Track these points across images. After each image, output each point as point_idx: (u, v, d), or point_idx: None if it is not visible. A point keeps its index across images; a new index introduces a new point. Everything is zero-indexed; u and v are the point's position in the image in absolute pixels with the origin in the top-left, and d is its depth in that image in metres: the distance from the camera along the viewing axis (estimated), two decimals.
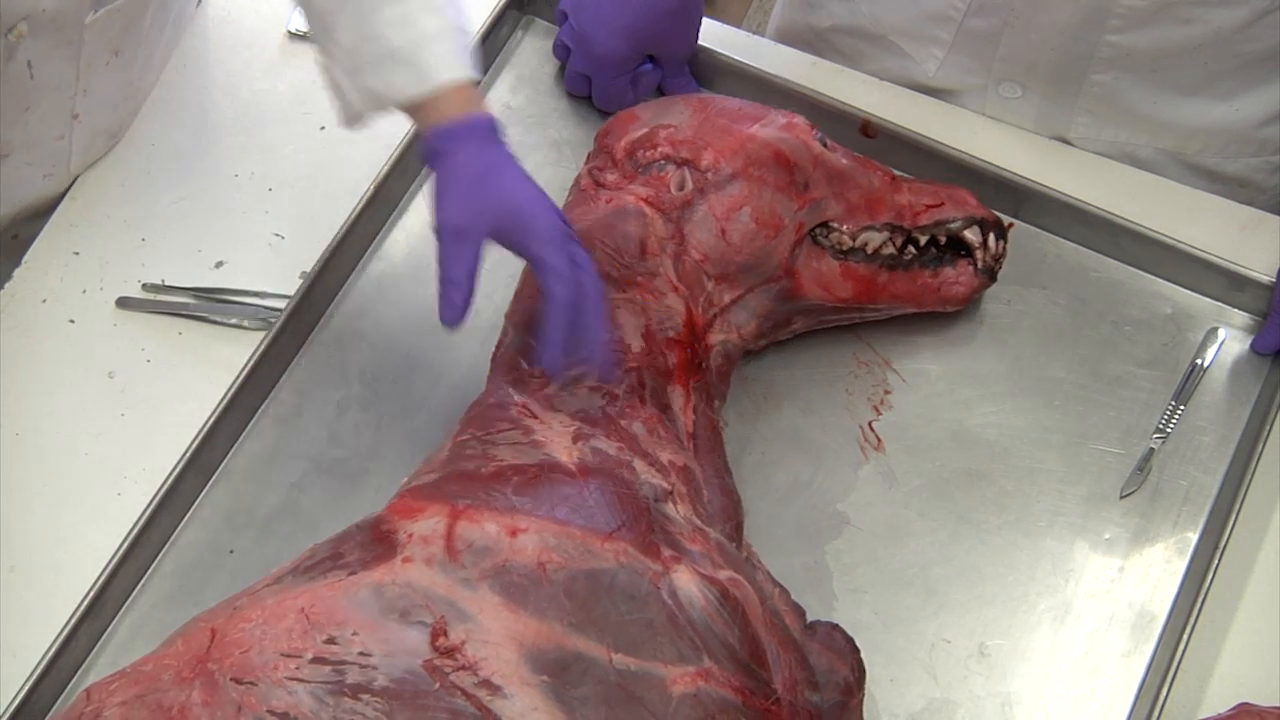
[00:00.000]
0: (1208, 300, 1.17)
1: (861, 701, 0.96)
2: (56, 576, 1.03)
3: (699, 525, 0.93)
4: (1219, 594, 1.03)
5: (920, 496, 1.09)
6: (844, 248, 1.09)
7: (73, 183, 1.19)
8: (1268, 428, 1.07)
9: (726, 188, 1.04)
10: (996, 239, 1.13)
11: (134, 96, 1.21)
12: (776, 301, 1.08)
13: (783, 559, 1.05)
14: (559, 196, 1.19)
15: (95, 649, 1.02)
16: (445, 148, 0.97)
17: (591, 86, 1.23)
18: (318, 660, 0.79)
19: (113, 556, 1.02)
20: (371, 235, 1.19)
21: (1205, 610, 1.01)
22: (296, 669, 0.79)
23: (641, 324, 1.00)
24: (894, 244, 1.11)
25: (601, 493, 0.89)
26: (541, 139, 1.24)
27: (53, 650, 0.98)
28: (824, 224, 1.09)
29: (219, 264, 1.17)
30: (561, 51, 1.24)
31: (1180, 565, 1.06)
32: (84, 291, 1.15)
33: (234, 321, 1.14)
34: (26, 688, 0.97)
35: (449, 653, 0.80)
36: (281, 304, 1.13)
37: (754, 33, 1.31)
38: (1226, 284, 1.15)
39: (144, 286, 1.15)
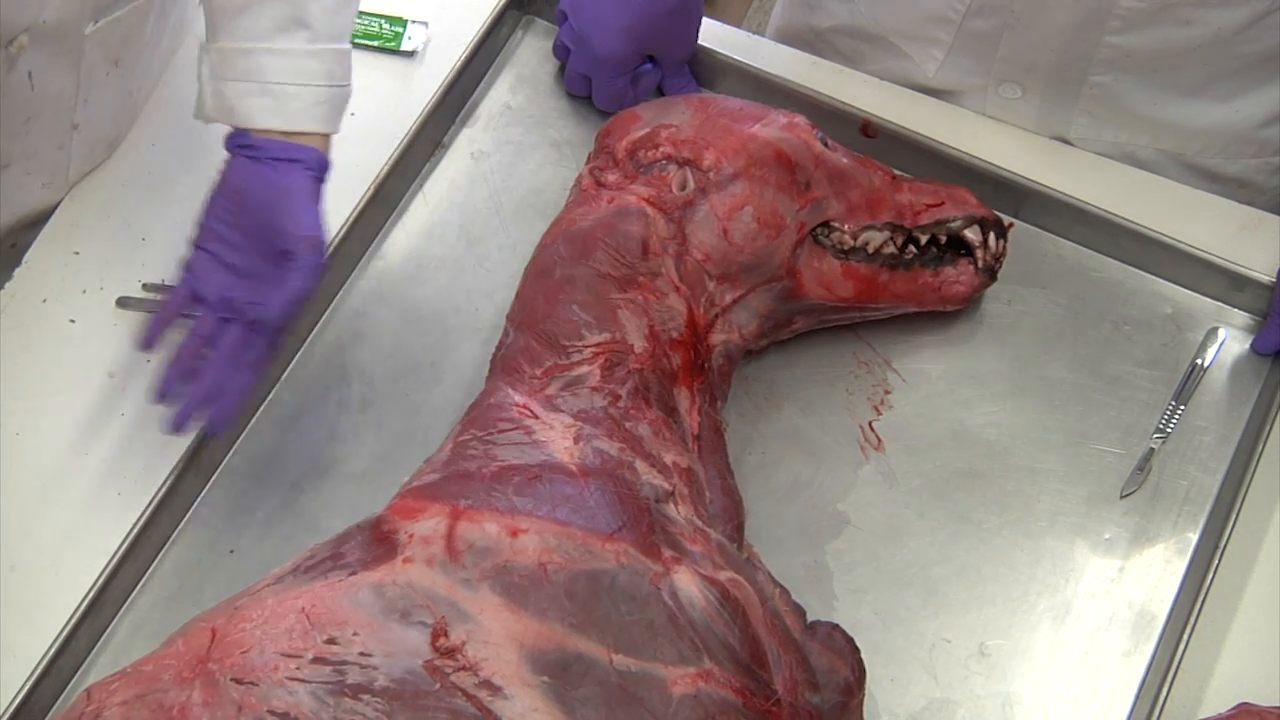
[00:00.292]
0: (1208, 300, 1.17)
1: (861, 701, 0.96)
2: (56, 576, 1.03)
3: (700, 526, 0.93)
4: (1219, 594, 1.03)
5: (920, 496, 1.09)
6: (845, 247, 1.09)
7: (71, 186, 1.19)
8: (1268, 428, 1.07)
9: (728, 187, 1.04)
10: (997, 238, 1.13)
11: (133, 107, 1.21)
12: (778, 301, 1.08)
13: (783, 559, 1.05)
14: (559, 197, 1.19)
15: (95, 649, 1.02)
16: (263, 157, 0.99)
17: (591, 86, 1.23)
18: (318, 660, 0.79)
19: (113, 556, 1.02)
20: (371, 235, 1.19)
21: (1205, 610, 1.01)
22: (297, 669, 0.79)
23: (645, 324, 1.00)
24: (895, 243, 1.11)
25: (602, 493, 0.89)
26: (541, 139, 1.24)
27: (53, 650, 0.98)
28: (825, 223, 1.09)
29: None
30: (561, 51, 1.24)
31: (1180, 565, 1.06)
32: (84, 291, 1.15)
33: None
34: (26, 688, 0.97)
35: (449, 653, 0.80)
36: None
37: (754, 33, 1.31)
38: (1226, 284, 1.15)
39: (144, 286, 1.15)
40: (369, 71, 1.25)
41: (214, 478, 1.09)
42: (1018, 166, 1.19)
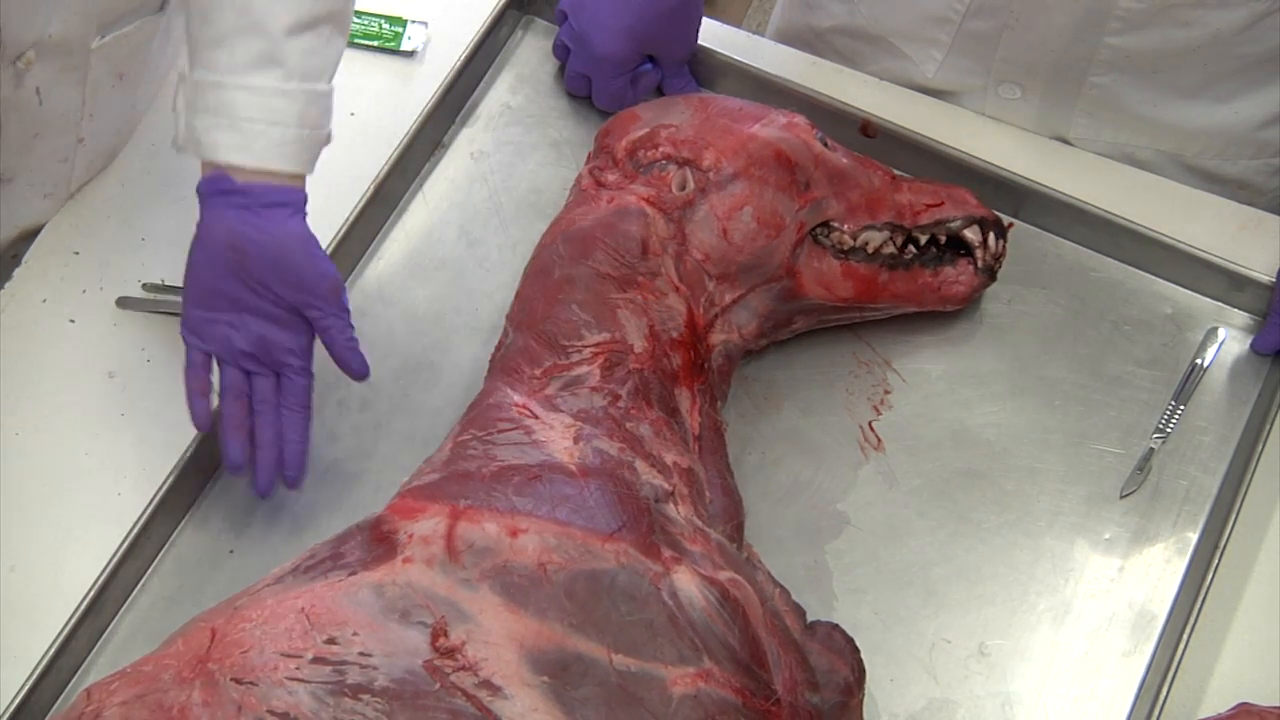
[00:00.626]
0: (1208, 300, 1.17)
1: (861, 701, 0.96)
2: (56, 576, 1.03)
3: (700, 526, 0.93)
4: (1219, 594, 1.03)
5: (920, 496, 1.09)
6: (845, 247, 1.09)
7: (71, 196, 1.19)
8: (1268, 428, 1.07)
9: (728, 187, 1.04)
10: (996, 238, 1.13)
11: (135, 118, 1.21)
12: (778, 301, 1.08)
13: (783, 559, 1.05)
14: (559, 196, 1.19)
15: (95, 649, 1.02)
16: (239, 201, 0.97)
17: (591, 86, 1.23)
18: (318, 660, 0.79)
19: (113, 556, 1.01)
20: (371, 235, 1.19)
21: (1205, 610, 1.01)
22: (297, 669, 0.79)
23: (645, 324, 1.00)
24: (894, 243, 1.11)
25: (602, 493, 0.89)
26: (541, 139, 1.24)
27: (53, 650, 0.98)
28: (825, 223, 1.09)
29: None
30: (561, 51, 1.24)
31: (1180, 565, 1.06)
32: (84, 291, 1.15)
33: None
34: (26, 688, 0.97)
35: (449, 653, 0.80)
36: None
37: (754, 33, 1.31)
38: (1226, 284, 1.15)
39: (144, 286, 1.15)
40: (369, 71, 1.25)
41: (214, 478, 1.09)
42: (1017, 166, 1.19)
